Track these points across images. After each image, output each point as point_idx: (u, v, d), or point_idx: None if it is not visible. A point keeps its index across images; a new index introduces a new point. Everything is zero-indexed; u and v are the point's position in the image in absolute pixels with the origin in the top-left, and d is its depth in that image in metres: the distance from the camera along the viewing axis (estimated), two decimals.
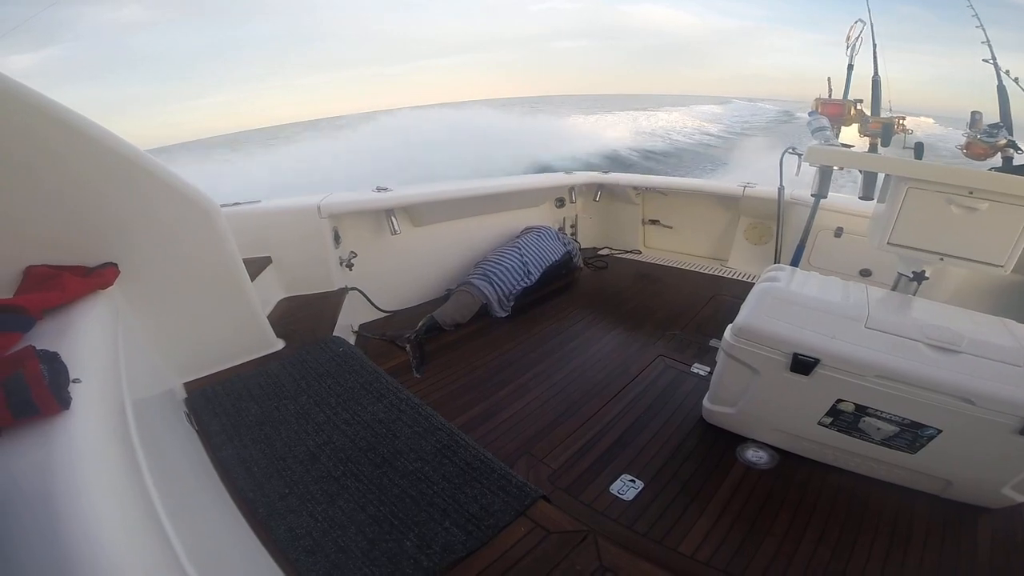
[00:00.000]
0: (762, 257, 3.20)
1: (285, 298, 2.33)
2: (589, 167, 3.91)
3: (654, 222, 3.65)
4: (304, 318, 2.16)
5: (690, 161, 16.73)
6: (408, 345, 2.25)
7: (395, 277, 2.73)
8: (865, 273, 2.78)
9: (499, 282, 2.62)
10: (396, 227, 2.59)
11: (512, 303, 2.67)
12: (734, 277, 3.20)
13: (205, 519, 1.07)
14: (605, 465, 1.61)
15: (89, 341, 1.10)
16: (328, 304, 2.29)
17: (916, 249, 1.56)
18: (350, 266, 2.50)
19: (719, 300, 2.81)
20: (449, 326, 2.46)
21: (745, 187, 3.16)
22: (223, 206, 1.91)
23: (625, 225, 3.72)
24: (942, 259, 1.54)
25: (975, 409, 1.29)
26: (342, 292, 2.40)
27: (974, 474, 1.44)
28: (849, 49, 2.39)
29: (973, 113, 1.78)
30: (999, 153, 1.68)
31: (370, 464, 1.34)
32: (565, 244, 3.09)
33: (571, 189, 3.54)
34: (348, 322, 2.38)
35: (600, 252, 3.67)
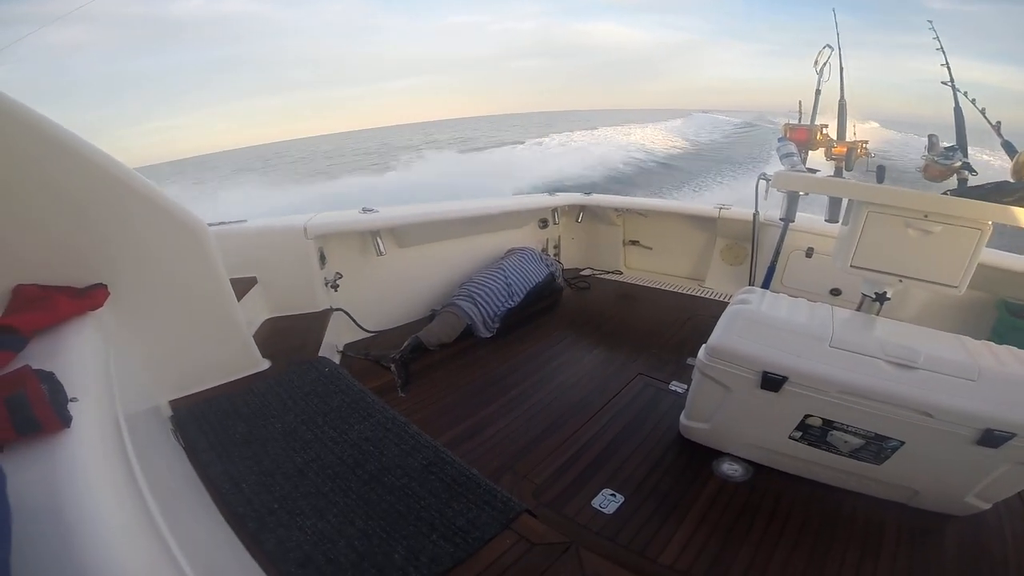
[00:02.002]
0: (738, 277, 3.33)
1: (270, 318, 2.37)
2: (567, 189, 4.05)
3: (634, 243, 3.78)
4: (289, 338, 2.20)
5: (663, 178, 17.01)
6: (393, 365, 2.30)
7: (380, 298, 2.78)
8: (835, 292, 2.91)
9: (484, 303, 2.69)
10: (382, 248, 2.65)
11: (497, 324, 2.73)
12: (711, 297, 3.33)
13: (199, 532, 1.10)
14: (587, 480, 1.67)
15: (81, 361, 1.14)
16: (313, 325, 2.34)
17: (877, 271, 1.63)
18: (335, 287, 2.55)
19: (696, 320, 2.91)
20: (434, 346, 2.52)
21: (721, 209, 3.30)
22: (209, 226, 1.95)
23: (606, 246, 3.84)
24: (901, 281, 1.61)
25: (934, 422, 1.37)
26: (327, 313, 2.45)
27: (938, 483, 1.52)
28: (818, 74, 2.43)
29: (930, 136, 1.81)
30: (955, 175, 1.71)
31: (358, 480, 1.38)
32: (548, 266, 3.18)
33: (554, 210, 3.65)
34: (333, 342, 2.42)
35: (582, 273, 3.77)
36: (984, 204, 1.42)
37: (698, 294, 3.40)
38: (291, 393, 1.77)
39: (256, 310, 2.30)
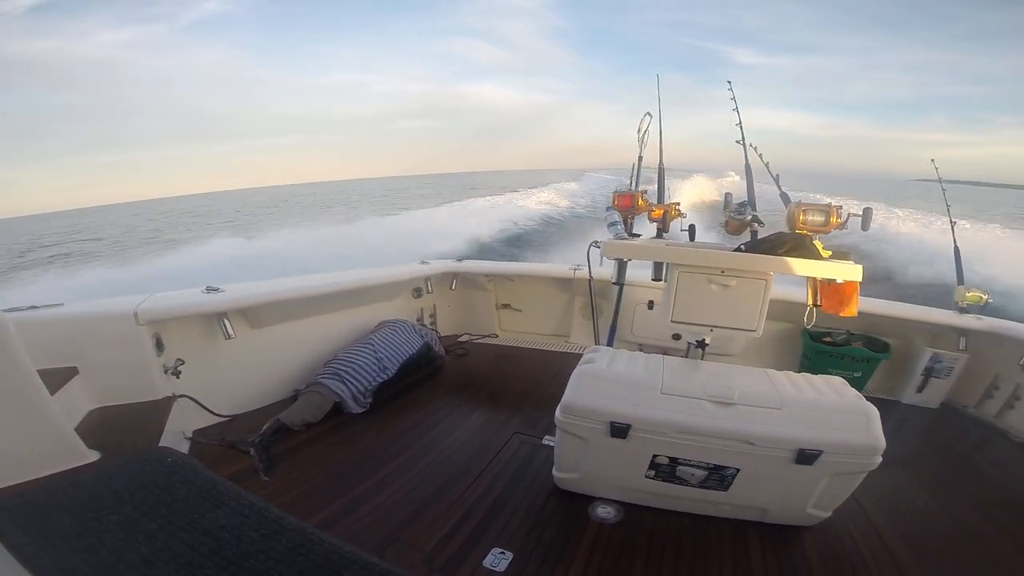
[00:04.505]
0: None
1: (98, 408, 2.11)
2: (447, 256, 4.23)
3: (506, 306, 4.06)
4: (123, 428, 1.98)
5: (542, 241, 16.87)
6: (252, 449, 2.16)
7: (233, 380, 2.60)
8: (676, 337, 3.30)
9: (352, 380, 2.65)
10: (230, 331, 2.49)
11: (370, 399, 2.69)
12: (576, 352, 3.66)
13: None
14: (476, 541, 1.72)
15: None
16: (152, 412, 2.13)
17: (692, 324, 1.88)
18: (176, 373, 2.34)
19: (563, 375, 3.14)
20: (299, 426, 2.42)
21: (575, 269, 3.70)
22: (13, 310, 1.75)
23: (481, 311, 4.06)
24: (712, 330, 1.87)
25: (756, 448, 1.63)
26: (169, 400, 2.25)
27: (780, 500, 1.80)
28: (639, 141, 2.64)
29: (726, 195, 2.08)
30: (748, 228, 1.98)
31: (215, 567, 1.28)
32: (423, 336, 3.22)
33: (427, 279, 3.77)
34: (179, 429, 2.21)
35: (460, 339, 3.92)
36: (763, 257, 1.76)
37: (566, 350, 3.76)
38: (126, 485, 1.59)
39: (78, 401, 2.04)
